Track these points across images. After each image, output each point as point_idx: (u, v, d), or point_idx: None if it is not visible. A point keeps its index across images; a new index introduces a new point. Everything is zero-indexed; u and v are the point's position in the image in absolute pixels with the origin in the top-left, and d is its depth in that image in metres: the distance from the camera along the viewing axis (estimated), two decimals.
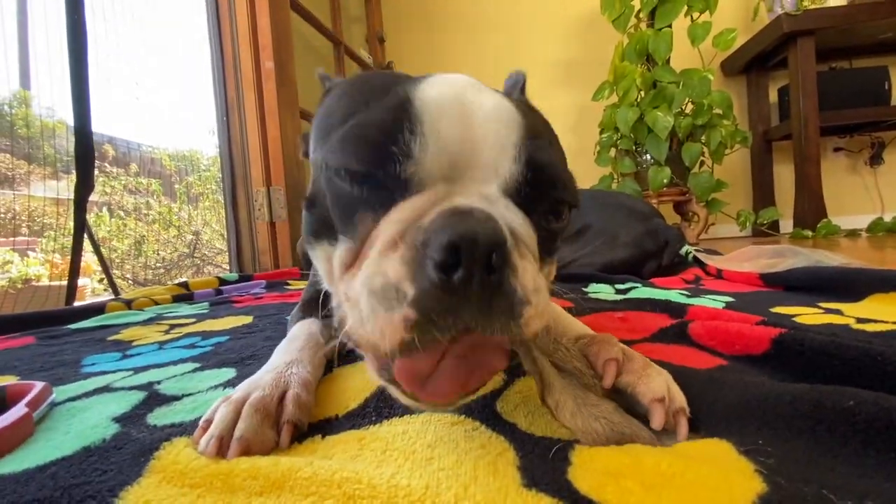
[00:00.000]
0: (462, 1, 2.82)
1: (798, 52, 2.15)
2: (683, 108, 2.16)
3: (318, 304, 0.49)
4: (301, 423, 0.34)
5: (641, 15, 2.24)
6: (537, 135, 0.31)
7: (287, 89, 1.81)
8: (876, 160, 2.55)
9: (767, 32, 2.23)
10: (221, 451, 0.29)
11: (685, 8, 2.11)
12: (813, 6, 2.21)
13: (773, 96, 2.54)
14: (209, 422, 0.32)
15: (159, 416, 0.37)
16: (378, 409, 0.39)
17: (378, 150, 0.28)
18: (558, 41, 2.75)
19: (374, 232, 0.28)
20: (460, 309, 0.24)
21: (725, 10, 2.34)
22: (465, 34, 2.82)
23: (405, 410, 0.38)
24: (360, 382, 0.46)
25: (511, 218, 0.28)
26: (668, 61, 2.16)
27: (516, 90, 0.46)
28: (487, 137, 0.29)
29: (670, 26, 2.14)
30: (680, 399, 0.31)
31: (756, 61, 2.45)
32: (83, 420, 0.37)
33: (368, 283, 0.25)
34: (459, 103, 0.29)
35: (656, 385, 0.31)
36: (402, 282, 0.24)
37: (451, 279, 0.23)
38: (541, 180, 0.30)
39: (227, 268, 1.94)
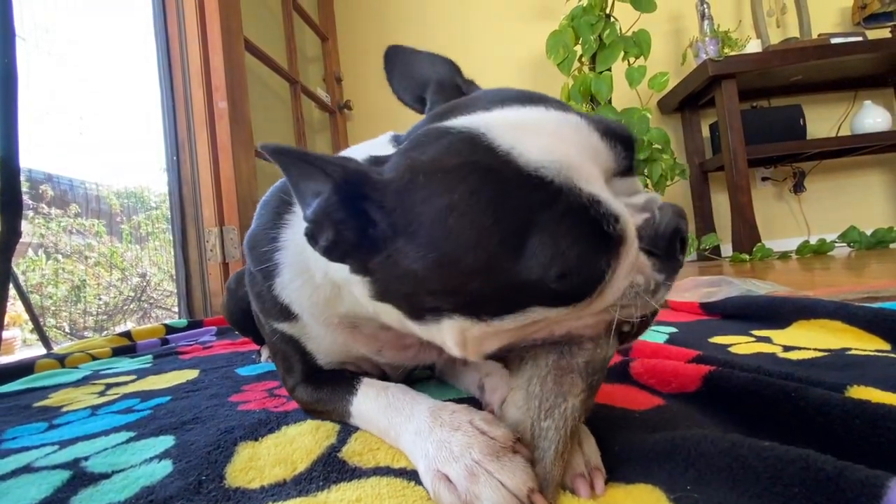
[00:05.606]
0: (417, 43, 2.93)
1: (723, 93, 2.37)
2: None
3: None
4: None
5: (584, 59, 2.40)
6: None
7: (241, 128, 1.79)
8: (799, 188, 2.80)
9: (695, 76, 2.45)
10: None
11: (622, 53, 2.29)
12: (733, 53, 2.46)
13: (706, 131, 2.76)
14: None
15: (85, 500, 0.35)
16: (326, 473, 0.38)
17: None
18: (509, 82, 2.88)
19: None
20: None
21: (658, 56, 2.55)
22: None
23: (353, 475, 0.38)
24: (309, 441, 0.45)
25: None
26: (609, 101, 2.31)
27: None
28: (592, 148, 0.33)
29: (610, 70, 2.30)
30: (595, 460, 0.33)
31: (688, 101, 2.67)
32: None
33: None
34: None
35: (575, 462, 0.33)
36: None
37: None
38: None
39: (177, 311, 1.84)
